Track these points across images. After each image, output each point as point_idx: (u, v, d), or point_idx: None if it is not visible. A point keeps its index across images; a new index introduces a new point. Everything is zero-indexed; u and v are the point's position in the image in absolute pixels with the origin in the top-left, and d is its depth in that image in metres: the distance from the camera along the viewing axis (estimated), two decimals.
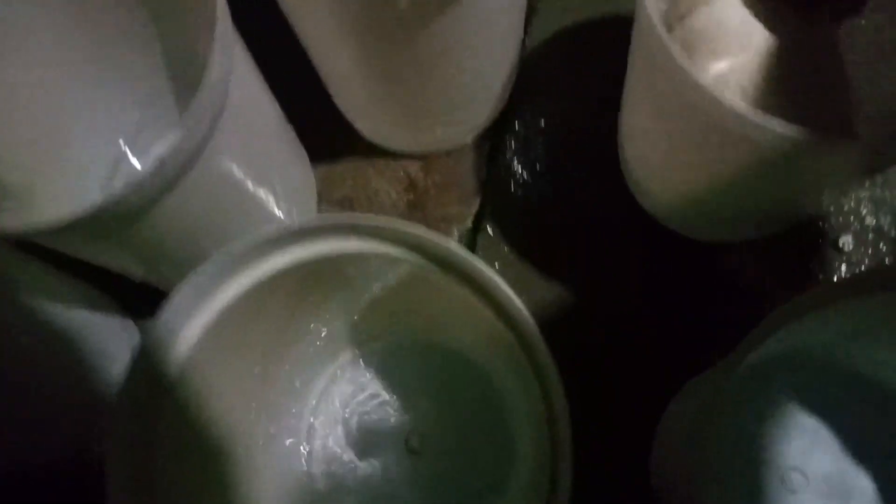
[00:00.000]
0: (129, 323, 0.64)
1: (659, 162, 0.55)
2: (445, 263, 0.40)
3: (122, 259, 0.52)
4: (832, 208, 0.60)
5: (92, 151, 0.62)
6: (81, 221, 0.40)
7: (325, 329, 0.53)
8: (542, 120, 0.66)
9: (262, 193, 0.55)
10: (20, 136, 0.55)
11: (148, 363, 0.40)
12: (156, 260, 0.53)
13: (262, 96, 0.53)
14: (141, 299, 0.63)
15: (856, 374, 0.52)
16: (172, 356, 0.41)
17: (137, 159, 0.66)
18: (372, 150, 0.68)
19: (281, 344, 0.51)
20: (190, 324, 0.41)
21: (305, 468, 0.56)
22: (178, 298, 0.40)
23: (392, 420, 0.57)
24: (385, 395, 0.58)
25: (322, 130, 0.67)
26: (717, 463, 0.53)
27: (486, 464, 0.55)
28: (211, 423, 0.45)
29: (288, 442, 0.56)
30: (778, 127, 0.36)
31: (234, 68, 0.44)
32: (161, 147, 0.66)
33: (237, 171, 0.50)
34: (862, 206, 0.60)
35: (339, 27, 0.49)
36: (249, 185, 0.52)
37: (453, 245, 0.39)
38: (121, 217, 0.43)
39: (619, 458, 0.55)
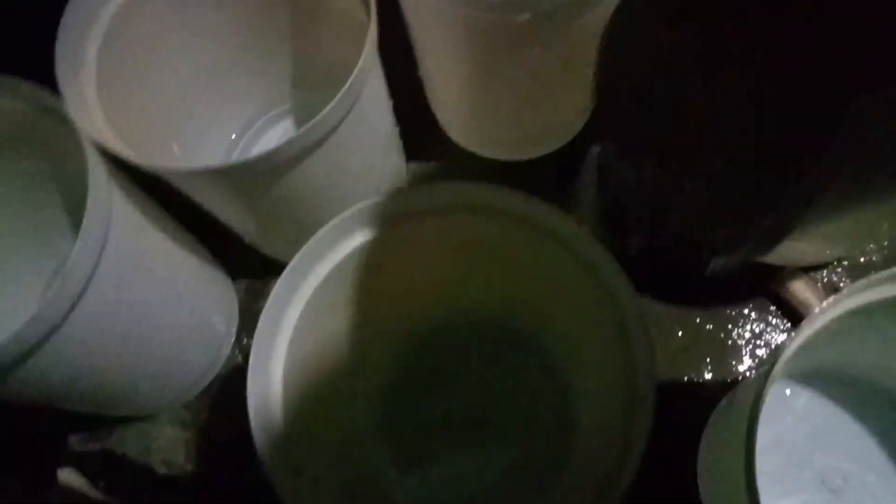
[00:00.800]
0: (228, 282, 0.71)
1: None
2: (538, 225, 0.46)
3: (243, 214, 0.59)
4: (886, 242, 0.64)
5: (215, 134, 0.71)
6: (238, 167, 0.47)
7: (407, 296, 0.59)
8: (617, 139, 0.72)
9: (372, 179, 0.62)
10: (164, 115, 0.64)
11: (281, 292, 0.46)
12: (271, 219, 0.60)
13: (383, 97, 0.60)
14: (236, 262, 0.71)
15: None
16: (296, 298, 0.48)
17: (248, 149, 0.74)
18: (460, 155, 0.75)
19: (373, 306, 0.57)
20: (318, 267, 0.48)
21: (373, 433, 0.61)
22: (314, 240, 0.47)
23: (461, 395, 0.62)
24: (454, 371, 0.63)
25: (418, 132, 0.74)
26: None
27: (550, 442, 0.59)
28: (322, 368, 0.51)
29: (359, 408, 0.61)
30: None
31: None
32: (269, 140, 0.75)
33: (356, 154, 0.57)
34: None
35: (453, 36, 0.56)
36: (363, 167, 0.60)
37: (549, 205, 0.45)
38: (264, 172, 0.50)
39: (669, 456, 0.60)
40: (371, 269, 0.52)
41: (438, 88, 0.70)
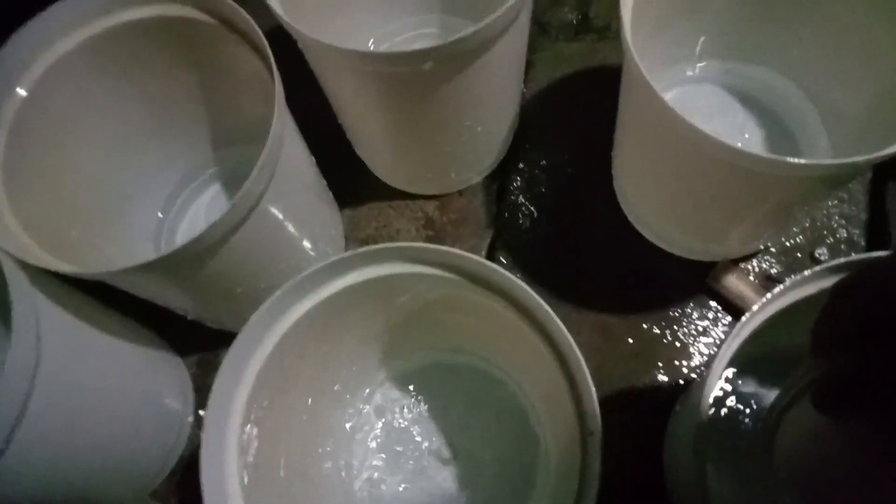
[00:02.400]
0: (177, 359, 0.70)
1: (650, 190, 0.62)
2: (481, 280, 0.47)
3: (179, 297, 0.59)
4: (807, 223, 0.67)
5: (142, 211, 0.70)
6: (167, 259, 0.46)
7: (367, 349, 0.59)
8: (543, 159, 0.74)
9: (304, 236, 0.62)
10: (83, 202, 0.62)
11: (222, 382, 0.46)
12: (209, 297, 0.59)
13: (303, 152, 0.60)
14: (183, 338, 0.70)
15: None
16: (245, 375, 0.48)
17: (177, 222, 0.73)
18: (391, 194, 0.75)
19: (330, 363, 0.57)
20: (267, 337, 0.48)
21: (346, 479, 0.61)
22: (255, 319, 0.47)
23: (424, 432, 0.62)
24: (417, 409, 0.63)
25: (346, 177, 0.74)
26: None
27: (514, 471, 0.60)
28: (278, 437, 0.51)
29: (331, 456, 0.61)
30: (763, 155, 0.43)
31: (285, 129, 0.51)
32: (198, 208, 0.74)
33: (285, 218, 0.57)
34: (833, 221, 0.67)
35: (367, 89, 0.57)
36: (294, 229, 0.59)
37: (489, 264, 0.45)
38: (194, 256, 0.49)
39: (634, 459, 0.61)
40: (323, 331, 0.52)
41: (358, 135, 0.70)
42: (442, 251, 0.46)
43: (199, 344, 0.71)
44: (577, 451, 0.44)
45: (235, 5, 0.52)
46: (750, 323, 0.44)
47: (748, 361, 0.59)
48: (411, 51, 0.49)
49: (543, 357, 0.46)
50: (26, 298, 0.46)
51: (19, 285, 0.46)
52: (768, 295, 0.43)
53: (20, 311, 0.45)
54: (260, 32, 0.52)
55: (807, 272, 0.43)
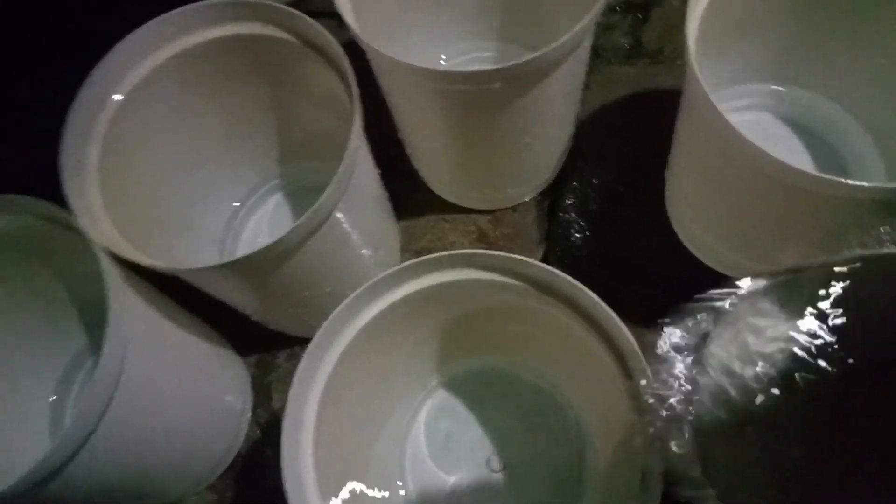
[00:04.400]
0: (239, 359, 0.72)
1: (704, 209, 0.64)
2: (548, 288, 0.49)
3: (249, 297, 0.61)
4: (856, 245, 0.68)
5: (212, 215, 0.74)
6: (249, 259, 0.49)
7: (426, 352, 0.62)
8: (595, 177, 0.76)
9: (369, 245, 0.65)
10: (160, 205, 0.66)
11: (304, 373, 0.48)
12: (278, 298, 0.62)
13: (371, 165, 0.63)
14: (243, 339, 0.73)
15: None
16: (319, 372, 0.50)
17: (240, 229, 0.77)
18: (445, 208, 0.78)
19: (391, 362, 0.59)
20: (339, 339, 0.50)
21: (399, 482, 0.63)
22: (332, 317, 0.49)
23: (475, 441, 0.64)
24: (468, 417, 0.65)
25: (402, 190, 0.77)
26: None
27: (562, 482, 0.61)
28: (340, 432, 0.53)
29: (384, 454, 0.63)
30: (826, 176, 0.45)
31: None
32: (261, 217, 0.77)
33: (353, 227, 0.60)
34: (884, 247, 0.68)
35: (434, 105, 0.60)
36: (360, 238, 0.62)
37: (558, 272, 0.48)
38: (272, 258, 0.52)
39: None
40: (387, 335, 0.55)
41: (419, 150, 0.73)
42: (513, 259, 0.49)
43: (259, 345, 0.73)
44: (636, 463, 0.46)
45: (317, 24, 0.56)
46: None
47: None
48: (484, 70, 0.52)
49: (605, 365, 0.48)
50: (119, 292, 0.49)
51: (113, 281, 0.49)
52: None
53: (115, 304, 0.48)
54: (340, 49, 0.55)
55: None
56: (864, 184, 0.44)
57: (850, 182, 0.44)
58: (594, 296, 0.47)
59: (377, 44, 0.53)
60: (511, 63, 0.51)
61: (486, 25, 0.78)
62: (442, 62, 0.79)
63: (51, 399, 0.68)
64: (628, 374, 0.46)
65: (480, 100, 0.57)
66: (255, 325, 0.70)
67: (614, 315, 0.46)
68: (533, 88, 0.57)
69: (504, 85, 0.54)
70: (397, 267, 0.50)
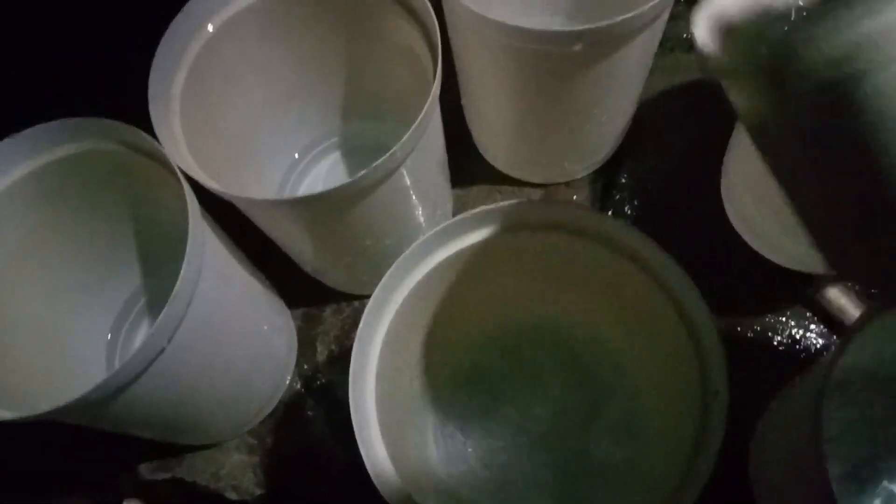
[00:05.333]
0: (287, 310, 0.73)
1: (767, 197, 0.64)
2: (612, 240, 0.49)
3: (314, 241, 0.62)
4: None
5: (274, 162, 0.74)
6: (324, 196, 0.50)
7: (479, 308, 0.62)
8: (652, 160, 0.77)
9: (428, 203, 0.65)
10: (231, 144, 0.67)
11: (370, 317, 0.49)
12: (340, 245, 0.63)
13: (439, 123, 0.63)
14: (292, 292, 0.73)
15: None
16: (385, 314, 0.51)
17: (298, 182, 0.78)
18: (499, 180, 0.79)
19: (448, 323, 0.60)
20: (403, 285, 0.51)
21: (439, 436, 0.63)
22: (398, 263, 0.50)
23: (520, 401, 0.64)
24: (516, 376, 0.65)
25: (458, 159, 0.77)
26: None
27: (612, 452, 0.61)
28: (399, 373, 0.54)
29: (430, 409, 0.64)
30: None
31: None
32: (318, 172, 0.78)
33: (418, 181, 0.60)
34: None
35: (509, 67, 0.60)
36: (422, 194, 0.63)
37: (625, 224, 0.48)
38: (344, 199, 0.53)
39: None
40: (448, 285, 0.55)
41: (482, 116, 0.74)
42: (576, 209, 0.50)
43: (306, 299, 0.74)
44: (695, 417, 0.46)
45: None
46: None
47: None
48: (568, 30, 0.52)
49: (666, 318, 0.49)
50: (198, 217, 0.50)
51: (194, 205, 0.50)
52: None
53: (194, 228, 0.48)
54: (430, 8, 0.55)
55: None
56: None
57: None
58: (664, 252, 0.47)
59: None
60: (597, 25, 0.51)
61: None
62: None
63: (106, 339, 0.69)
64: (695, 334, 0.47)
65: (556, 63, 0.58)
66: (303, 279, 0.71)
67: (684, 272, 0.47)
68: (609, 56, 0.57)
69: (584, 48, 0.55)
70: (468, 213, 0.51)
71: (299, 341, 0.73)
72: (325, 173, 0.77)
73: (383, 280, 0.49)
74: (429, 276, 0.53)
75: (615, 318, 0.59)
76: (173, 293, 0.46)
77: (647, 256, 0.49)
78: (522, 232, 0.53)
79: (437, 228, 0.51)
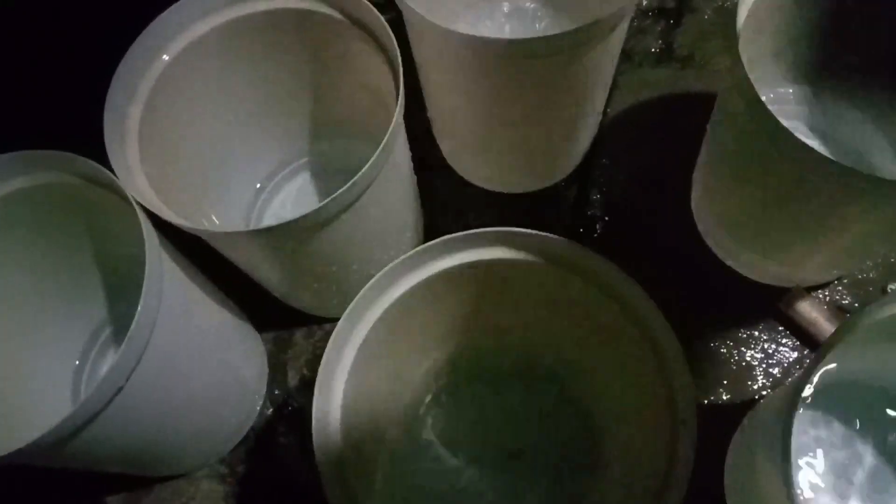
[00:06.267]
0: (257, 335, 0.72)
1: (735, 211, 0.64)
2: (576, 266, 0.49)
3: (278, 269, 0.61)
4: (880, 259, 0.69)
5: (238, 188, 0.73)
6: (288, 226, 0.49)
7: (449, 333, 0.61)
8: (621, 174, 0.77)
9: (397, 227, 0.65)
10: (193, 171, 0.66)
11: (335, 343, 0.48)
12: (306, 272, 0.62)
13: (405, 144, 0.63)
14: (261, 316, 0.72)
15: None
16: (350, 345, 0.50)
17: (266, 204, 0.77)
18: (468, 197, 0.78)
19: (417, 342, 0.59)
20: (369, 314, 0.50)
21: (413, 454, 0.62)
22: (364, 293, 0.49)
23: (490, 424, 0.64)
24: (485, 400, 0.65)
25: (428, 180, 0.77)
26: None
27: (576, 471, 0.61)
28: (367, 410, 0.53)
29: (402, 428, 0.63)
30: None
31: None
32: (287, 194, 0.77)
33: (386, 206, 0.60)
34: None
35: (471, 73, 0.59)
36: (391, 218, 0.62)
37: (589, 250, 0.48)
38: (307, 229, 0.52)
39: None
40: (416, 312, 0.54)
41: (447, 126, 0.73)
42: (541, 236, 0.49)
43: (276, 323, 0.73)
44: (664, 442, 0.46)
45: (369, 6, 0.56)
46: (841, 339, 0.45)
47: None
48: (534, 38, 0.51)
49: (635, 345, 0.48)
50: (156, 252, 0.49)
51: (152, 239, 0.49)
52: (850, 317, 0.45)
53: (152, 263, 0.47)
54: (386, 26, 0.55)
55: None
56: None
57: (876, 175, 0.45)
58: (629, 278, 0.47)
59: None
60: (572, 28, 0.51)
61: None
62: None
63: (73, 367, 0.67)
64: (662, 356, 0.46)
65: (523, 71, 0.57)
66: (273, 303, 0.70)
67: (650, 301, 0.46)
68: (575, 62, 0.56)
69: (549, 56, 0.54)
70: (434, 242, 0.50)
71: (270, 365, 0.72)
72: (294, 195, 0.76)
73: (345, 313, 0.49)
74: (396, 305, 0.52)
75: (587, 347, 0.59)
76: (129, 333, 0.45)
77: (617, 286, 0.49)
78: (494, 259, 0.52)
79: (401, 258, 0.50)
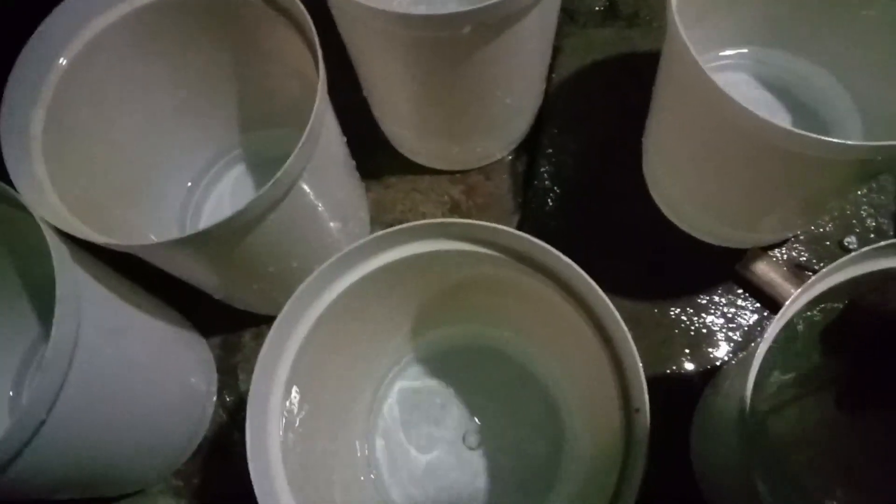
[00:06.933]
0: (202, 340, 0.69)
1: (685, 176, 0.62)
2: (527, 259, 0.47)
3: (212, 274, 0.58)
4: (836, 213, 0.67)
5: (169, 189, 0.69)
6: (207, 233, 0.46)
7: (399, 327, 0.59)
8: (572, 143, 0.74)
9: (336, 217, 0.62)
10: (115, 175, 0.62)
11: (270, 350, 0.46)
12: (242, 275, 0.59)
13: (336, 131, 0.59)
14: (207, 320, 0.70)
15: None
16: (287, 349, 0.47)
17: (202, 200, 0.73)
18: (417, 177, 0.75)
19: (363, 339, 0.57)
20: (308, 312, 0.47)
21: (368, 461, 0.61)
22: (303, 288, 0.46)
23: (451, 417, 0.62)
24: (445, 394, 0.63)
25: (370, 158, 0.74)
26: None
27: (540, 461, 0.59)
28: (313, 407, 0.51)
29: (355, 437, 0.61)
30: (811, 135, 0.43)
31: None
32: (223, 188, 0.73)
33: (319, 197, 0.56)
34: (861, 210, 0.67)
35: (402, 55, 0.56)
36: (327, 209, 0.59)
37: (538, 242, 0.45)
38: (233, 232, 0.49)
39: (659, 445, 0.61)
40: (359, 308, 0.52)
41: (385, 107, 0.70)
42: (488, 227, 0.46)
43: (223, 326, 0.70)
44: (619, 430, 0.44)
45: None
46: (790, 308, 0.44)
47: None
48: (452, 13, 0.49)
49: (585, 335, 0.46)
50: (68, 273, 0.46)
51: (62, 259, 0.45)
52: (810, 280, 0.43)
53: (63, 286, 0.44)
54: (303, 9, 0.51)
55: (843, 259, 0.43)
56: (847, 142, 0.43)
57: (832, 140, 0.43)
58: (571, 263, 0.45)
59: None
60: (482, 5, 0.48)
61: None
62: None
63: (9, 394, 0.64)
64: (608, 340, 0.44)
65: (450, 47, 0.54)
66: (218, 305, 0.67)
67: (597, 288, 0.44)
68: (502, 35, 0.54)
69: (474, 30, 0.51)
70: (367, 238, 0.48)
71: (219, 371, 0.69)
72: (230, 189, 0.73)
73: (275, 325, 0.46)
74: (335, 304, 0.50)
75: (542, 333, 0.57)
76: (43, 364, 0.42)
77: (561, 273, 0.46)
78: (436, 251, 0.49)
79: (336, 256, 0.47)
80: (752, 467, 0.42)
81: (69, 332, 0.44)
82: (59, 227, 0.46)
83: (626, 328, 0.43)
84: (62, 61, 0.51)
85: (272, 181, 0.47)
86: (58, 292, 0.43)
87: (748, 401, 0.43)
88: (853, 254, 0.43)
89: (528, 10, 0.52)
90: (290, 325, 0.48)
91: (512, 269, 0.48)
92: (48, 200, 0.49)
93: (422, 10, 0.76)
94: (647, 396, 0.42)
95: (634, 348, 0.43)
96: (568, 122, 0.75)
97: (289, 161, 0.48)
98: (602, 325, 0.45)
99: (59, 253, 0.45)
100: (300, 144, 0.48)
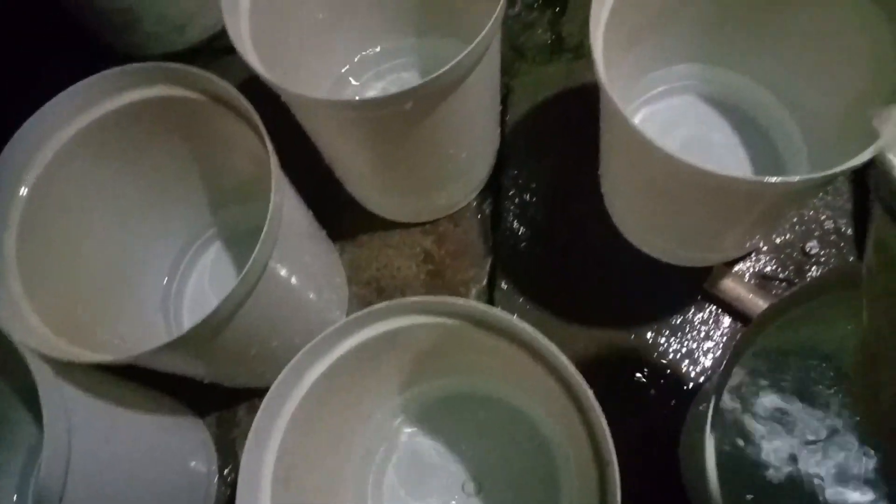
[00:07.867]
0: (198, 421, 0.71)
1: (637, 207, 0.64)
2: (487, 325, 0.48)
3: (196, 366, 0.60)
4: (795, 219, 0.69)
5: (148, 281, 0.71)
6: (182, 339, 0.48)
7: (386, 392, 0.61)
8: (533, 181, 0.76)
9: (310, 290, 0.63)
10: (91, 282, 0.64)
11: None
12: (225, 362, 0.61)
13: (299, 208, 0.61)
14: (200, 400, 0.71)
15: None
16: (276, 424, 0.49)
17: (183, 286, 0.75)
18: (388, 232, 0.77)
19: (351, 408, 0.58)
20: (290, 398, 0.49)
21: None
22: (282, 377, 0.48)
23: (448, 467, 0.64)
24: (441, 445, 0.64)
25: (339, 219, 0.76)
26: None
27: (539, 498, 0.61)
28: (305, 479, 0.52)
29: (355, 491, 0.62)
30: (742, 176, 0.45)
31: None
32: (202, 270, 0.75)
33: (291, 276, 0.58)
34: (820, 213, 0.69)
35: (351, 132, 0.59)
36: (300, 285, 0.61)
37: (493, 310, 0.47)
38: (209, 330, 0.51)
39: (648, 463, 0.63)
40: (341, 385, 0.54)
41: (346, 175, 0.72)
42: (447, 302, 0.48)
43: (216, 403, 0.72)
44: (595, 480, 0.46)
45: (226, 84, 0.54)
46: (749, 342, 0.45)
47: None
48: (389, 95, 0.51)
49: (555, 392, 0.48)
50: (53, 391, 0.47)
51: (46, 379, 0.47)
52: (762, 309, 0.45)
53: (49, 405, 0.46)
54: (248, 104, 0.53)
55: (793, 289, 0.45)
56: (767, 178, 0.44)
57: (774, 180, 0.44)
58: (531, 329, 0.47)
59: (284, 69, 0.52)
60: (418, 84, 0.50)
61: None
62: (347, 70, 0.78)
63: (13, 498, 0.66)
64: (575, 399, 0.46)
65: (397, 121, 0.56)
66: (209, 385, 0.69)
67: (553, 347, 0.46)
68: (446, 100, 0.56)
69: (416, 104, 0.53)
70: (333, 327, 0.49)
71: (217, 449, 0.70)
72: (209, 269, 0.75)
73: (257, 418, 0.47)
74: (315, 386, 0.51)
75: (521, 392, 0.59)
76: (38, 483, 0.43)
77: (524, 337, 0.48)
78: (400, 327, 0.51)
79: (313, 342, 0.49)
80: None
81: (61, 447, 0.46)
82: (41, 350, 0.48)
83: (587, 388, 0.45)
84: (22, 191, 0.53)
85: (237, 282, 0.49)
86: (45, 414, 0.45)
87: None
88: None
89: (465, 76, 0.54)
90: (273, 415, 0.50)
91: (479, 334, 0.49)
92: (28, 322, 0.50)
93: (380, 87, 0.78)
94: (613, 451, 0.44)
95: (597, 406, 0.45)
96: (526, 161, 0.77)
97: (253, 256, 0.49)
98: (566, 383, 0.46)
99: (42, 374, 0.47)
100: (262, 238, 0.50)
